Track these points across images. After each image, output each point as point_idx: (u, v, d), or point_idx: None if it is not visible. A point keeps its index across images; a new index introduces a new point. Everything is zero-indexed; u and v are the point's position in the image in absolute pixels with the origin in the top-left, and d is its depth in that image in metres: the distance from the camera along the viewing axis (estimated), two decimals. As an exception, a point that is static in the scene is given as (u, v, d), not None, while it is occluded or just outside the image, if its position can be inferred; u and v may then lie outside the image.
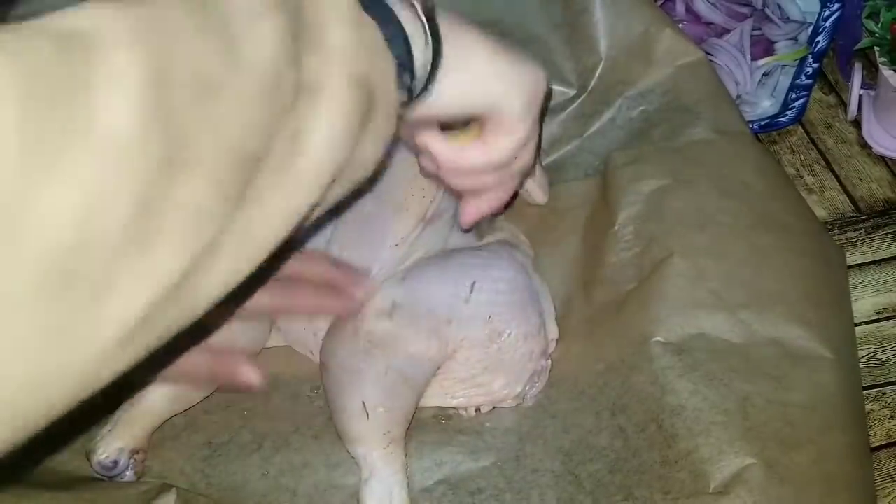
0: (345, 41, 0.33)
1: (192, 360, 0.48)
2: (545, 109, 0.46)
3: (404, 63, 0.37)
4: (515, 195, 0.51)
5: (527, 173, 0.49)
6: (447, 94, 0.41)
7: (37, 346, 0.24)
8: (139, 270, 0.26)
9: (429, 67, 0.39)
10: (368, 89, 0.34)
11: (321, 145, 0.32)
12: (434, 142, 0.44)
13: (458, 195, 0.52)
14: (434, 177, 0.48)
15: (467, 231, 0.57)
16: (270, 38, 0.29)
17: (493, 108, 0.43)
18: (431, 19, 0.39)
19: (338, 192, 0.36)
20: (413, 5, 0.38)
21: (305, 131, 0.31)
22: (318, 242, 0.59)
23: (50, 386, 0.26)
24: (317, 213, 0.35)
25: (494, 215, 0.52)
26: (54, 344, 0.25)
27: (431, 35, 0.39)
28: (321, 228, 0.58)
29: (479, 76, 0.42)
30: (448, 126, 0.45)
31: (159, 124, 0.25)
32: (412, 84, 0.38)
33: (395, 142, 0.41)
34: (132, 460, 0.55)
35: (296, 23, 0.31)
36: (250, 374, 0.49)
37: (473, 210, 0.50)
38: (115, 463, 0.54)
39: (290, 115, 0.30)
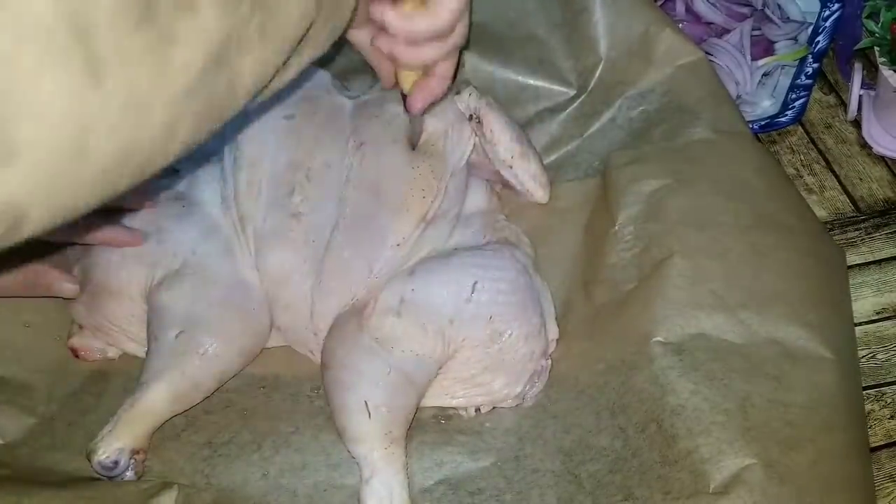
0: None
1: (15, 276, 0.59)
2: None
3: None
4: (456, 73, 0.57)
5: (462, 46, 0.55)
6: None
7: (130, 70, 0.31)
8: (193, 27, 0.33)
9: None
10: None
11: None
12: (385, 12, 0.50)
13: (403, 94, 0.57)
14: (389, 55, 0.53)
15: (413, 118, 0.60)
16: None
17: None
18: None
19: (325, 37, 0.44)
20: None
21: None
22: (320, 244, 0.59)
23: (136, 133, 0.33)
24: (313, 51, 0.44)
25: (435, 103, 0.58)
26: (143, 69, 0.32)
27: None
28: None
29: None
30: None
31: None
32: None
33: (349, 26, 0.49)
34: (132, 460, 0.55)
35: None
36: (64, 285, 0.60)
37: (422, 96, 0.56)
38: (116, 463, 0.54)
39: None
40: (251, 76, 0.38)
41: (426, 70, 0.55)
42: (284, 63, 0.41)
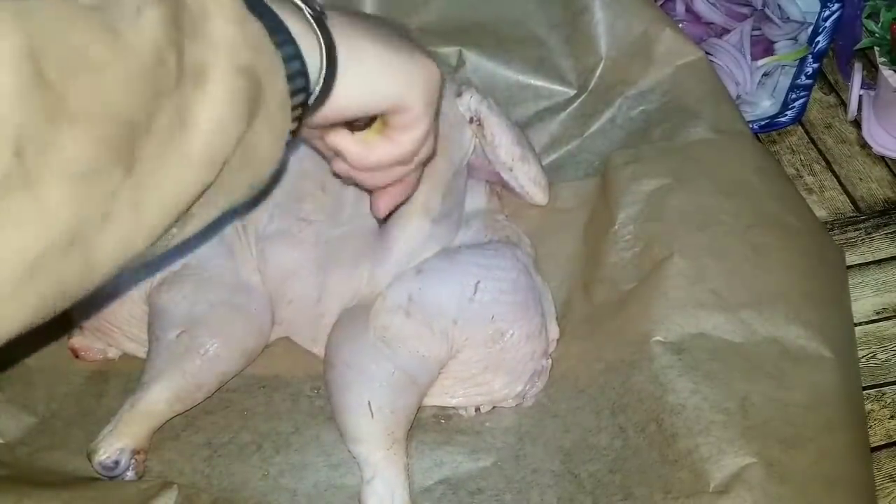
0: (228, 34, 0.35)
1: None
2: (440, 100, 0.49)
3: (297, 67, 0.39)
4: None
5: (428, 162, 0.52)
6: (347, 96, 0.43)
7: None
8: (30, 209, 0.29)
9: (324, 71, 0.41)
10: (254, 79, 0.36)
11: (207, 123, 0.34)
12: (342, 141, 0.46)
13: (368, 191, 0.54)
14: (347, 178, 0.50)
15: (382, 221, 0.58)
16: (152, 24, 0.32)
17: (395, 106, 0.45)
18: (321, 23, 0.41)
19: (243, 186, 0.39)
20: (300, 8, 0.40)
21: (191, 109, 0.34)
22: (328, 244, 0.59)
23: None
24: (223, 203, 0.38)
25: (402, 204, 0.55)
26: None
27: (323, 39, 0.41)
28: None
29: (376, 76, 0.44)
30: (352, 125, 0.47)
31: (37, 87, 0.29)
32: (308, 88, 0.41)
33: (297, 143, 0.44)
34: (133, 460, 0.55)
35: (179, 12, 0.34)
36: None
37: (385, 202, 0.52)
38: (116, 463, 0.54)
39: (175, 93, 0.33)
40: (117, 250, 0.33)
41: None
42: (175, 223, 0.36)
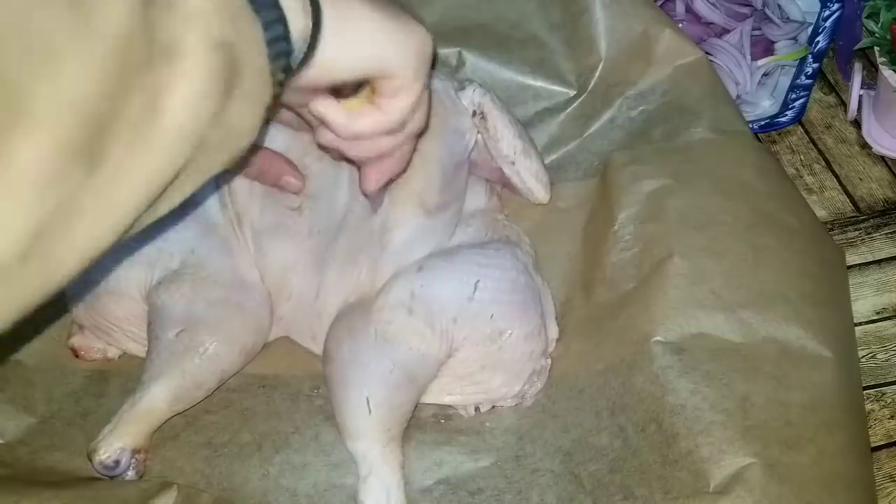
0: (203, 4, 0.33)
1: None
2: (431, 70, 0.46)
3: (279, 32, 0.37)
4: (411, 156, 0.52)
5: (421, 133, 0.49)
6: (334, 58, 0.41)
7: None
8: None
9: (309, 35, 0.39)
10: (231, 52, 0.34)
11: (181, 105, 0.32)
12: (328, 109, 0.44)
13: (357, 165, 0.51)
14: (333, 150, 0.48)
15: (371, 197, 0.56)
16: (121, 4, 0.30)
17: (384, 71, 0.43)
18: None
19: (218, 161, 0.37)
20: None
21: (164, 91, 0.32)
22: (324, 234, 0.59)
23: None
24: (199, 179, 0.37)
25: (392, 180, 0.53)
26: None
27: (310, 2, 0.39)
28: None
29: (366, 39, 0.42)
30: (339, 93, 0.45)
31: None
32: (292, 52, 0.39)
33: (275, 111, 0.42)
34: (133, 460, 0.55)
35: None
36: (291, 179, 0.59)
37: (375, 176, 0.50)
38: (117, 463, 0.54)
39: (146, 76, 0.31)
40: (85, 247, 0.31)
41: None
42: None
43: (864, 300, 0.66)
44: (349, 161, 0.51)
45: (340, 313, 0.58)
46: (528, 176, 0.64)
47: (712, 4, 0.81)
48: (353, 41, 0.42)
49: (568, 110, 0.71)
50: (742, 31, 0.79)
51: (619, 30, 0.69)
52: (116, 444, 0.55)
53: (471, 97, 0.62)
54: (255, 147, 0.57)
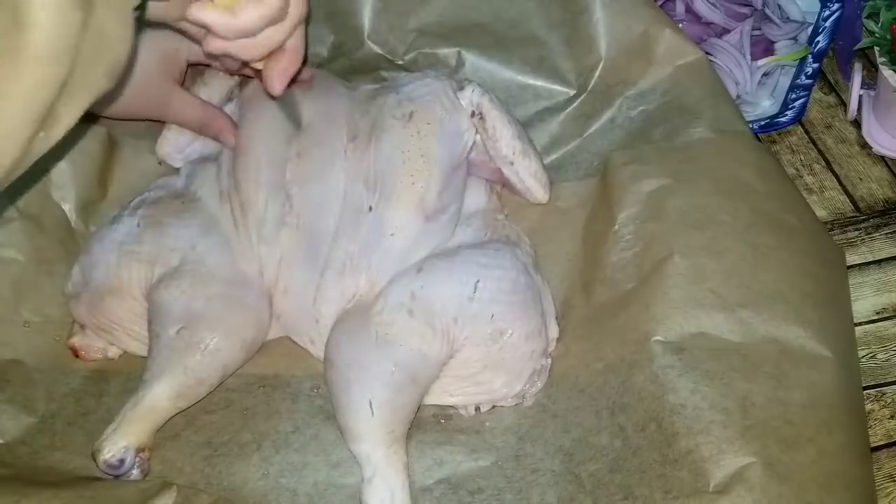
0: None
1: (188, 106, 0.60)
2: None
3: None
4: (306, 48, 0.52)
5: (304, 20, 0.49)
6: None
7: None
8: None
9: None
10: None
11: (44, 17, 0.33)
12: (204, 13, 0.44)
13: (258, 74, 0.51)
14: (224, 57, 0.47)
15: (281, 99, 0.56)
16: None
17: None
18: None
19: (101, 75, 0.37)
20: None
21: (23, 6, 0.32)
22: (321, 233, 0.59)
23: None
24: (86, 97, 0.36)
25: (298, 73, 0.53)
26: None
27: None
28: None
29: None
30: None
31: None
32: None
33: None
34: (138, 458, 0.55)
35: None
36: (229, 137, 0.62)
37: (277, 76, 0.50)
38: (122, 462, 0.54)
39: None
40: None
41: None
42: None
43: (864, 300, 0.66)
44: (250, 73, 0.52)
45: (340, 317, 0.58)
46: (527, 176, 0.64)
47: (712, 4, 0.81)
48: None
49: (568, 110, 0.71)
50: (742, 31, 0.79)
51: (619, 29, 0.69)
52: (120, 443, 0.55)
53: (469, 97, 0.62)
54: (198, 100, 0.63)
